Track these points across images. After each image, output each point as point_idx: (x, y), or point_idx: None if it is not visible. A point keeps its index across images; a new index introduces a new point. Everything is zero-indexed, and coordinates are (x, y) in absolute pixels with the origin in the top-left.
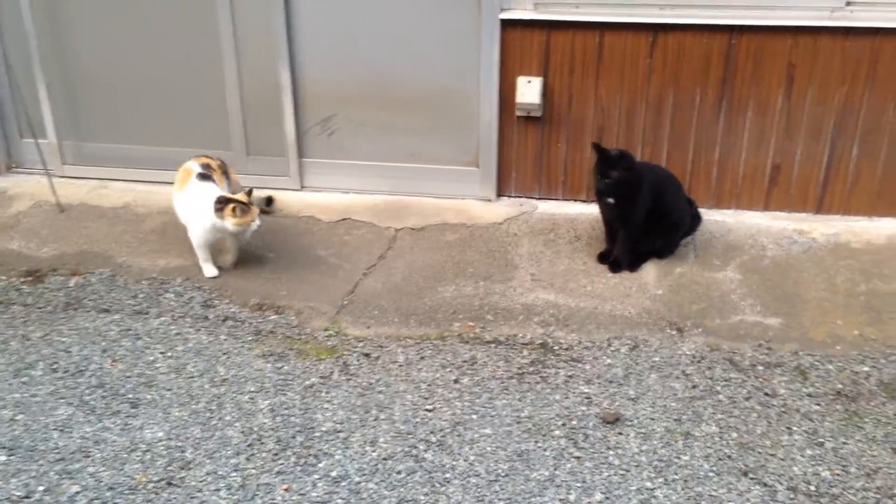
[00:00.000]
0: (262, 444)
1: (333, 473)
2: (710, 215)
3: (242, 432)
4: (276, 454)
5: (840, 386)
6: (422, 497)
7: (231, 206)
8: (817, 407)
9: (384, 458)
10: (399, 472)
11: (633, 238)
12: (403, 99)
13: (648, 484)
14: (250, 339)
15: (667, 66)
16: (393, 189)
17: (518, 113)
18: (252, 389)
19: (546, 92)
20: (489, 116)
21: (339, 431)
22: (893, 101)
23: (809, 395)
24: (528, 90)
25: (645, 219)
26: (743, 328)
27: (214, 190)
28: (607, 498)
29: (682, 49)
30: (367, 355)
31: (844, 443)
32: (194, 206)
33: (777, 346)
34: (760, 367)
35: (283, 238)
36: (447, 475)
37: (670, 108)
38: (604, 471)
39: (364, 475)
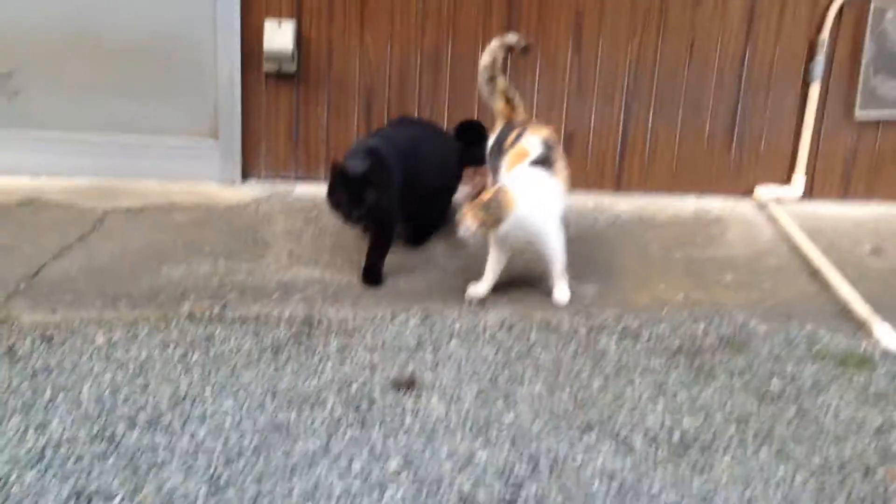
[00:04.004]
0: None
1: None
2: None
3: None
4: None
5: (678, 342)
6: (116, 484)
7: None
8: (658, 361)
9: (56, 445)
10: (80, 459)
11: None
12: (116, 48)
13: (464, 446)
14: None
15: (443, 9)
16: (104, 169)
17: (267, 66)
18: None
19: (301, 42)
20: (230, 71)
21: None
22: (687, 55)
23: (646, 351)
24: (278, 35)
25: (411, 203)
26: None
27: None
28: (409, 463)
29: None
30: (48, 339)
31: (701, 392)
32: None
33: (597, 311)
34: (583, 331)
35: None
36: (160, 457)
37: (449, 62)
38: (401, 436)
39: (21, 466)
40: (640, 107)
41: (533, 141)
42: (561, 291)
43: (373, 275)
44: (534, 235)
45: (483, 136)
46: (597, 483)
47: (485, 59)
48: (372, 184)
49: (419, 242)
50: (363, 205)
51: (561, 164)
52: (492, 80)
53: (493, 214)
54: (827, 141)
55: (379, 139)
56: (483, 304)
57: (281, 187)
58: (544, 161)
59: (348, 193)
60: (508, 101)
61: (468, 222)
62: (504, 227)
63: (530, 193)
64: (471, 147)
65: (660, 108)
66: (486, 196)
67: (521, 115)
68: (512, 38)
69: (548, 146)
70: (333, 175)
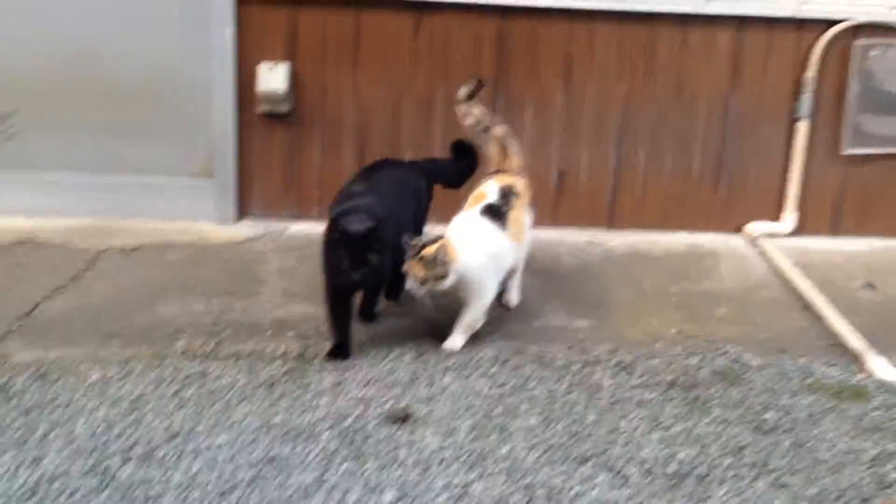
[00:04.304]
0: None
1: None
2: None
3: None
4: None
5: (671, 377)
6: None
7: None
8: (652, 395)
9: (49, 480)
10: (73, 494)
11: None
12: (112, 89)
13: (459, 479)
14: None
15: (434, 52)
16: (100, 209)
17: (262, 107)
18: None
19: (295, 84)
20: (225, 111)
21: None
22: (675, 94)
23: (640, 385)
24: (272, 76)
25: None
26: (549, 332)
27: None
28: (404, 496)
29: (450, 33)
30: (41, 377)
31: (695, 425)
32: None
33: (591, 346)
34: (577, 365)
35: None
36: (154, 490)
37: (441, 103)
38: (395, 469)
39: (14, 501)
40: (630, 146)
41: (492, 187)
42: (453, 339)
43: (368, 312)
44: (466, 288)
45: (472, 153)
46: None
47: (468, 120)
48: (374, 245)
49: (399, 296)
50: (366, 265)
51: (516, 214)
52: (486, 130)
53: (439, 271)
54: (816, 178)
55: (372, 197)
56: (477, 339)
57: (275, 226)
58: (495, 210)
59: (351, 254)
60: (502, 148)
61: (413, 282)
62: (449, 282)
63: (471, 245)
64: (461, 160)
65: (649, 146)
66: (429, 251)
67: (514, 163)
68: (464, 90)
69: (504, 195)
70: (335, 235)
